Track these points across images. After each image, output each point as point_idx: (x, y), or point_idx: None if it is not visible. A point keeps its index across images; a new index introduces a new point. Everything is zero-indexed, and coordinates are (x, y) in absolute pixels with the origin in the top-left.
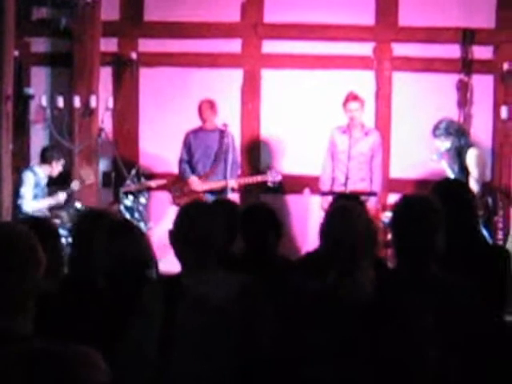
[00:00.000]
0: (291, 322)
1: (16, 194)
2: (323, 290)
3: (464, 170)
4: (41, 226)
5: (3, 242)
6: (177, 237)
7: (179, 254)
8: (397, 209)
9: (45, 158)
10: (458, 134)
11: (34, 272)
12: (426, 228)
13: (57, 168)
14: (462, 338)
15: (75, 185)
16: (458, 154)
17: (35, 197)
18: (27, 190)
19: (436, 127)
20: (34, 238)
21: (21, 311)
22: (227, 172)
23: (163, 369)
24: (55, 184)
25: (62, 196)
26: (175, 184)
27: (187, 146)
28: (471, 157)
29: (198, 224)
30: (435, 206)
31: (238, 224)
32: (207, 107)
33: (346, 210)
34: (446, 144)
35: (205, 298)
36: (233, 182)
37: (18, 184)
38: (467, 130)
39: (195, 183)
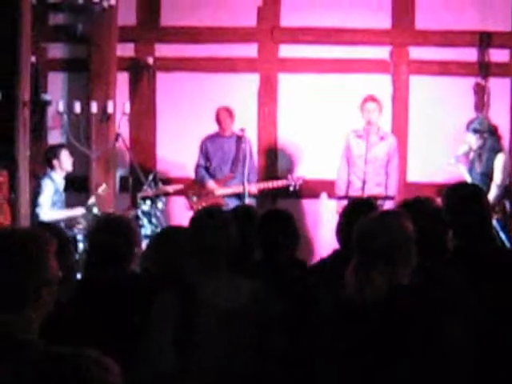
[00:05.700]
0: (308, 327)
1: (34, 202)
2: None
3: (485, 174)
4: (50, 231)
5: (7, 243)
6: (188, 245)
7: (191, 261)
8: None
9: (48, 159)
10: (491, 133)
11: (37, 271)
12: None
13: (66, 159)
14: None
15: (92, 201)
16: (488, 157)
17: (54, 204)
18: (45, 198)
19: (471, 121)
20: (41, 241)
21: (22, 308)
22: (245, 177)
23: (183, 372)
24: (74, 189)
25: (80, 211)
26: (191, 189)
27: (204, 152)
28: (499, 161)
29: (205, 232)
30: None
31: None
32: (226, 116)
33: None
34: (477, 141)
35: (218, 304)
36: (253, 187)
37: (36, 192)
38: (499, 133)
39: (214, 187)
